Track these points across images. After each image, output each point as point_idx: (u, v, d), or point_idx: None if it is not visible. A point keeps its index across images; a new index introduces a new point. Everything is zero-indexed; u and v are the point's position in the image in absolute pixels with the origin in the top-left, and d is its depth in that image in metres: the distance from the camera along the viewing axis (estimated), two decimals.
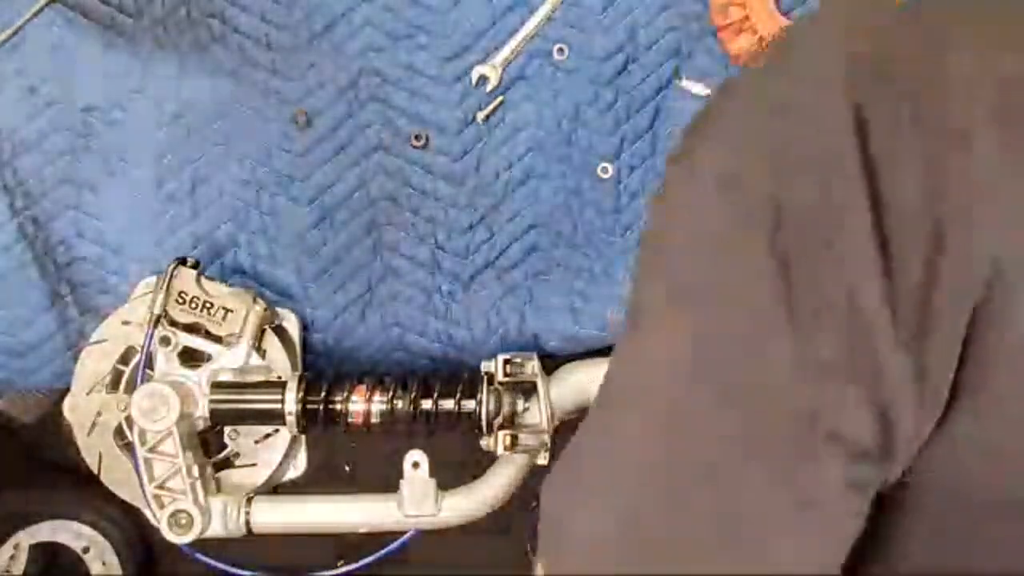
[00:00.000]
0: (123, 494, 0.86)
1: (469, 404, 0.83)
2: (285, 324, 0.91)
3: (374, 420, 0.83)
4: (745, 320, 0.41)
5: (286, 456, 0.88)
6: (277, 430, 0.88)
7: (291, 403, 0.82)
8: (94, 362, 0.87)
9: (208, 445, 0.87)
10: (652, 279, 0.46)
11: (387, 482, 0.86)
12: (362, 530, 0.86)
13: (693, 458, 0.42)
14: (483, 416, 0.82)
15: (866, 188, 0.38)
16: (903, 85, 0.39)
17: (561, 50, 0.96)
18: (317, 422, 0.83)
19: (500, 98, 0.96)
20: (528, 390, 0.84)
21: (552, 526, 0.47)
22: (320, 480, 0.92)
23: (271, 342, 0.88)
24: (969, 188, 0.38)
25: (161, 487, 0.81)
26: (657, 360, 0.43)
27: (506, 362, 0.84)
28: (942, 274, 0.38)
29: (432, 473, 0.84)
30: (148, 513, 0.82)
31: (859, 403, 0.39)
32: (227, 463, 0.88)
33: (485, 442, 0.83)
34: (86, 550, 1.51)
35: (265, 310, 0.86)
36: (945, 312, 0.38)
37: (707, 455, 0.41)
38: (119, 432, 0.86)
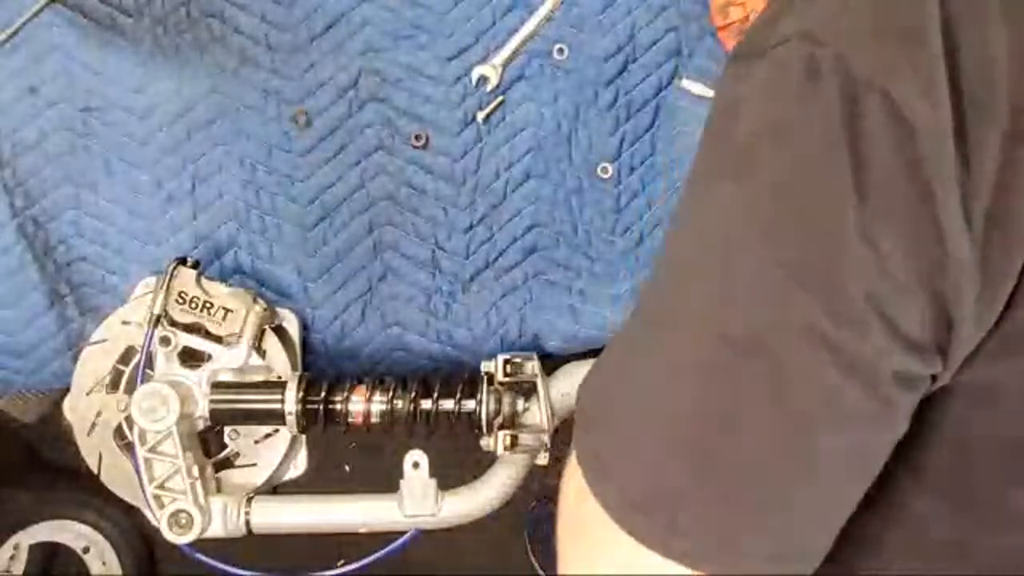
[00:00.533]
0: (123, 494, 0.86)
1: (469, 404, 0.83)
2: (285, 324, 0.91)
3: (374, 420, 0.83)
4: (814, 195, 0.39)
5: (286, 456, 0.88)
6: (277, 430, 0.88)
7: (291, 403, 0.82)
8: (94, 362, 0.87)
9: (208, 445, 0.87)
10: (719, 154, 0.44)
11: (387, 482, 0.86)
12: (362, 530, 0.86)
13: (744, 328, 0.41)
14: (483, 416, 0.82)
15: (947, 71, 0.37)
16: None
17: (561, 50, 0.96)
18: (317, 422, 0.83)
19: (500, 98, 0.96)
20: (528, 390, 0.84)
21: (603, 399, 0.46)
22: (320, 480, 0.92)
23: (271, 342, 0.88)
24: None
25: (161, 487, 0.81)
26: (722, 230, 0.42)
27: (506, 362, 0.84)
28: (1019, 163, 0.36)
29: (432, 473, 0.84)
30: (148, 513, 0.82)
31: (919, 296, 0.38)
32: (227, 463, 0.88)
33: (485, 442, 0.83)
34: (86, 550, 1.51)
35: (265, 310, 0.86)
36: (1020, 205, 0.37)
37: (759, 325, 0.40)
38: (119, 432, 0.86)
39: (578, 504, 0.45)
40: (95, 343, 0.87)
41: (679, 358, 0.43)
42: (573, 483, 0.46)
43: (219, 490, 0.85)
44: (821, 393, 0.40)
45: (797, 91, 0.39)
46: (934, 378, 0.42)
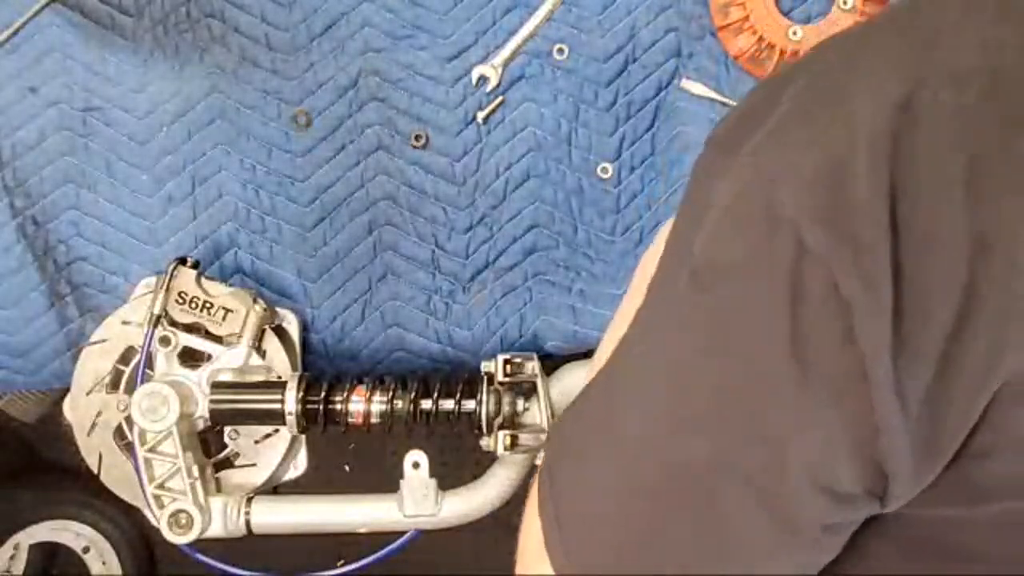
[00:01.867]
0: (123, 494, 0.86)
1: (469, 404, 0.83)
2: (285, 324, 0.90)
3: (374, 420, 0.83)
4: (753, 347, 0.40)
5: (286, 456, 0.88)
6: (277, 430, 0.88)
7: (291, 403, 0.82)
8: (94, 362, 0.87)
9: (208, 445, 0.87)
10: (680, 253, 0.44)
11: (387, 482, 0.86)
12: (362, 530, 0.86)
13: (678, 457, 0.42)
14: (483, 416, 0.82)
15: (891, 250, 0.36)
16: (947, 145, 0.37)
17: (561, 50, 0.96)
18: (317, 422, 0.83)
19: (500, 98, 0.96)
20: (528, 390, 0.84)
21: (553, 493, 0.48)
22: (320, 480, 0.92)
23: (271, 342, 0.88)
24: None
25: (161, 487, 0.81)
26: (667, 347, 0.43)
27: (506, 362, 0.84)
28: (965, 343, 0.36)
29: (432, 473, 0.84)
30: (148, 513, 0.82)
31: (849, 459, 0.39)
32: (227, 463, 0.88)
33: (485, 442, 0.83)
34: (86, 550, 1.51)
35: (265, 310, 0.86)
36: (960, 395, 0.37)
37: (689, 459, 0.41)
38: (119, 432, 0.86)
39: (539, 556, 0.46)
40: (95, 343, 0.87)
41: (620, 465, 0.45)
42: (536, 527, 0.47)
43: (219, 490, 0.85)
44: (743, 532, 0.41)
45: (753, 237, 0.40)
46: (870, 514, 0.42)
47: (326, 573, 0.85)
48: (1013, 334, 0.36)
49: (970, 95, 0.37)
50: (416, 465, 0.84)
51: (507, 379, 0.83)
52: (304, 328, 0.93)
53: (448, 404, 0.83)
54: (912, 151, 0.37)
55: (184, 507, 0.81)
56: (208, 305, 0.84)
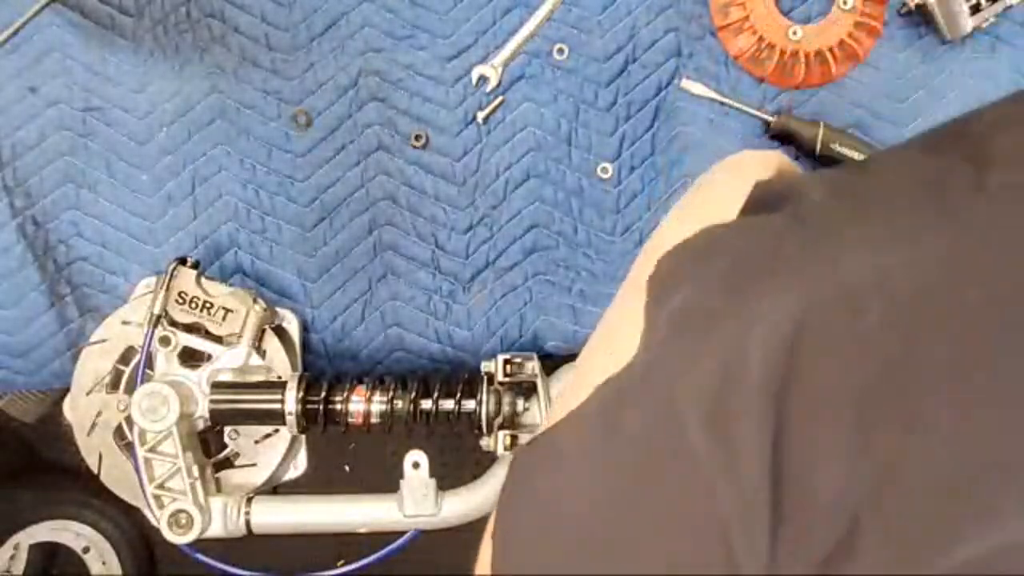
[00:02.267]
0: (123, 494, 0.86)
1: (469, 404, 0.83)
2: (285, 324, 0.91)
3: (374, 420, 0.83)
4: (633, 551, 0.39)
5: (286, 456, 0.88)
6: (277, 430, 0.88)
7: (291, 403, 0.82)
8: (94, 362, 0.87)
9: (208, 445, 0.87)
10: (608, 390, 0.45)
11: (387, 482, 0.86)
12: (362, 530, 0.86)
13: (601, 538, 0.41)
14: (483, 416, 0.82)
15: (771, 477, 0.35)
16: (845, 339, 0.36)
17: (561, 50, 0.96)
18: (317, 422, 0.83)
19: (500, 98, 0.96)
20: (528, 390, 0.84)
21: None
22: (320, 480, 0.92)
23: (271, 342, 0.88)
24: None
25: (161, 487, 0.81)
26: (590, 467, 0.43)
27: (506, 362, 0.84)
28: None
29: (432, 473, 0.84)
30: (148, 513, 0.82)
31: None
32: (227, 463, 0.88)
33: (485, 442, 0.84)
34: (86, 550, 1.51)
35: (265, 310, 0.86)
36: None
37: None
38: (119, 432, 0.86)
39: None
40: (95, 343, 0.87)
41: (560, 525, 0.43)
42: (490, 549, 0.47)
43: (219, 490, 0.86)
44: None
45: (649, 418, 0.40)
46: None
47: (326, 573, 0.85)
48: (906, 555, 0.34)
49: (867, 322, 0.35)
50: (416, 465, 0.84)
51: (507, 379, 0.83)
52: (304, 328, 0.93)
53: (448, 404, 0.83)
54: (802, 375, 0.35)
55: (184, 507, 0.81)
56: (208, 305, 0.85)
